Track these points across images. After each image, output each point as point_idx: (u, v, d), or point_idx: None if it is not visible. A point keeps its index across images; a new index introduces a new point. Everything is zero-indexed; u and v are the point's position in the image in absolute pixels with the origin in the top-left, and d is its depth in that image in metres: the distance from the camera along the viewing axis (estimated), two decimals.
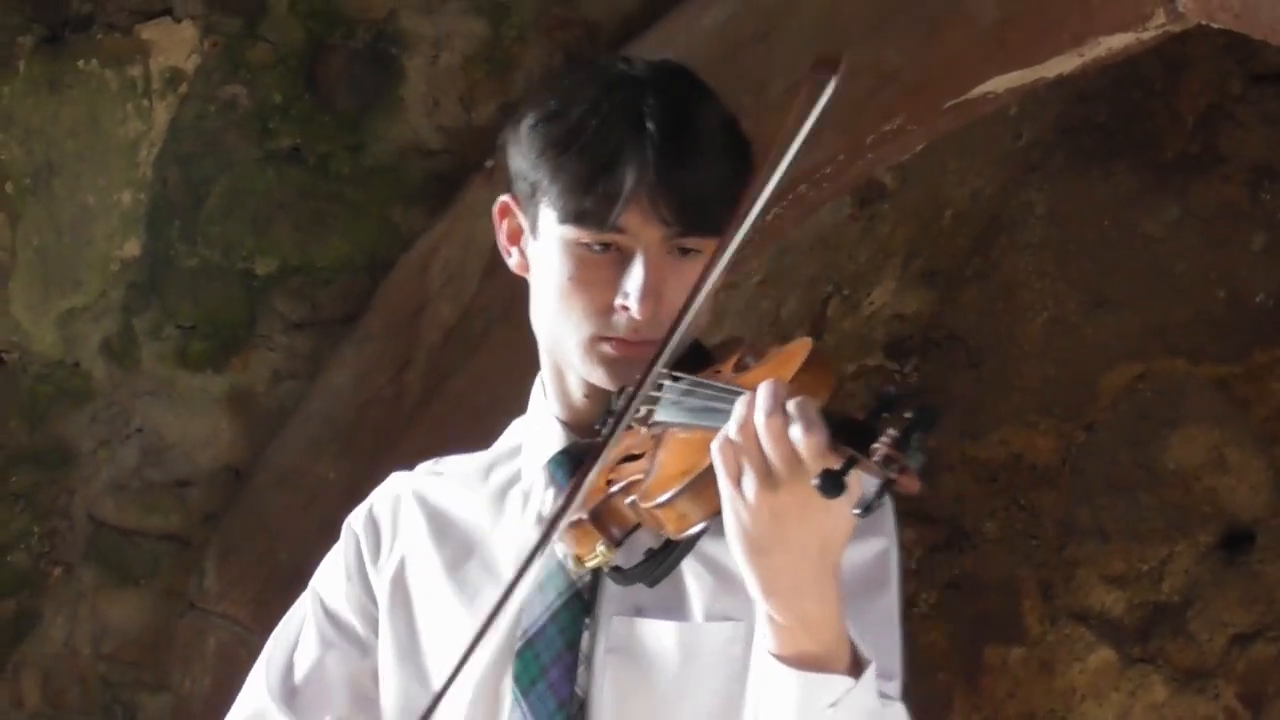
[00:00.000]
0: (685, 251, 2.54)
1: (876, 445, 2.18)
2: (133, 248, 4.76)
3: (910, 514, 4.91)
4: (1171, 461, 4.74)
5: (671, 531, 2.48)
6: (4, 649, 4.89)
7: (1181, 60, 4.43)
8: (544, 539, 2.50)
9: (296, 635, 2.90)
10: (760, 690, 2.48)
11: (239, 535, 4.63)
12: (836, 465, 2.19)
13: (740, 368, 2.51)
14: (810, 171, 4.21)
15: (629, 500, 2.50)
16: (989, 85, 4.08)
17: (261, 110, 4.66)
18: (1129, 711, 4.81)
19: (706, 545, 2.52)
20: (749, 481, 2.29)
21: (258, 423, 4.63)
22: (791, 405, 2.24)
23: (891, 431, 2.17)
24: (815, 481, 2.20)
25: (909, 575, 4.88)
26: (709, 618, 2.58)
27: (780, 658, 2.38)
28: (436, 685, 2.68)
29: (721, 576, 2.55)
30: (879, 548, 2.60)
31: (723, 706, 2.60)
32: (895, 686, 2.48)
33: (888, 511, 2.59)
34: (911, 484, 2.17)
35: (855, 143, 4.15)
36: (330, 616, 2.86)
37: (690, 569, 2.56)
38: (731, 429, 2.31)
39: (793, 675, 2.38)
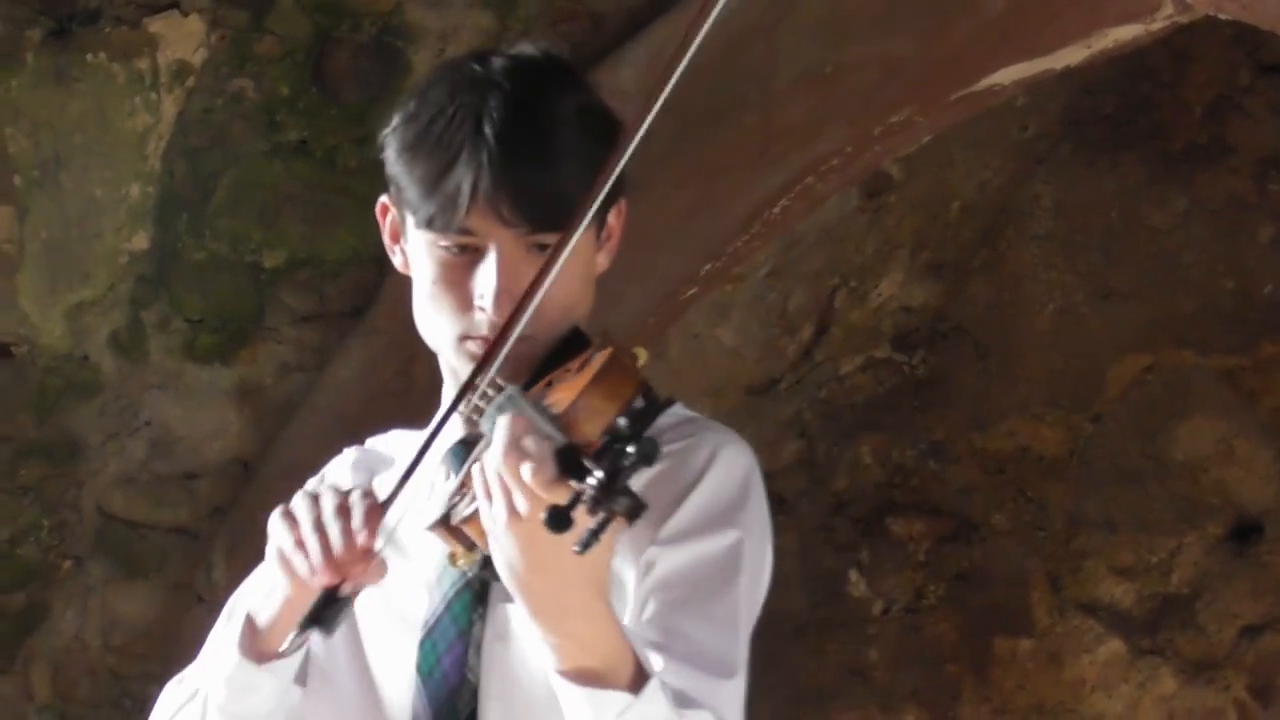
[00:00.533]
0: (543, 247, 2.59)
1: (582, 487, 2.25)
2: (140, 241, 4.76)
3: (918, 506, 4.95)
4: (1179, 453, 4.73)
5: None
6: (14, 642, 4.89)
7: (1189, 51, 4.42)
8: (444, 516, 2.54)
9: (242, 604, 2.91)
10: (561, 699, 2.53)
11: (247, 528, 4.61)
12: (563, 501, 2.26)
13: (568, 371, 2.56)
14: (817, 163, 4.20)
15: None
16: (996, 77, 4.08)
17: (269, 104, 4.66)
18: (1138, 703, 4.80)
19: None
20: (499, 512, 2.36)
21: (266, 415, 4.63)
22: (528, 441, 2.31)
23: (598, 475, 2.25)
24: (542, 517, 2.26)
25: (917, 569, 4.88)
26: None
27: (562, 673, 2.46)
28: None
29: None
30: (729, 541, 2.63)
31: None
32: (733, 685, 2.57)
33: (752, 500, 2.65)
34: (622, 524, 2.27)
35: (862, 135, 4.15)
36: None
37: None
38: (486, 461, 2.38)
39: (576, 690, 2.46)
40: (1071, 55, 4.06)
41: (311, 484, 2.84)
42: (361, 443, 3.11)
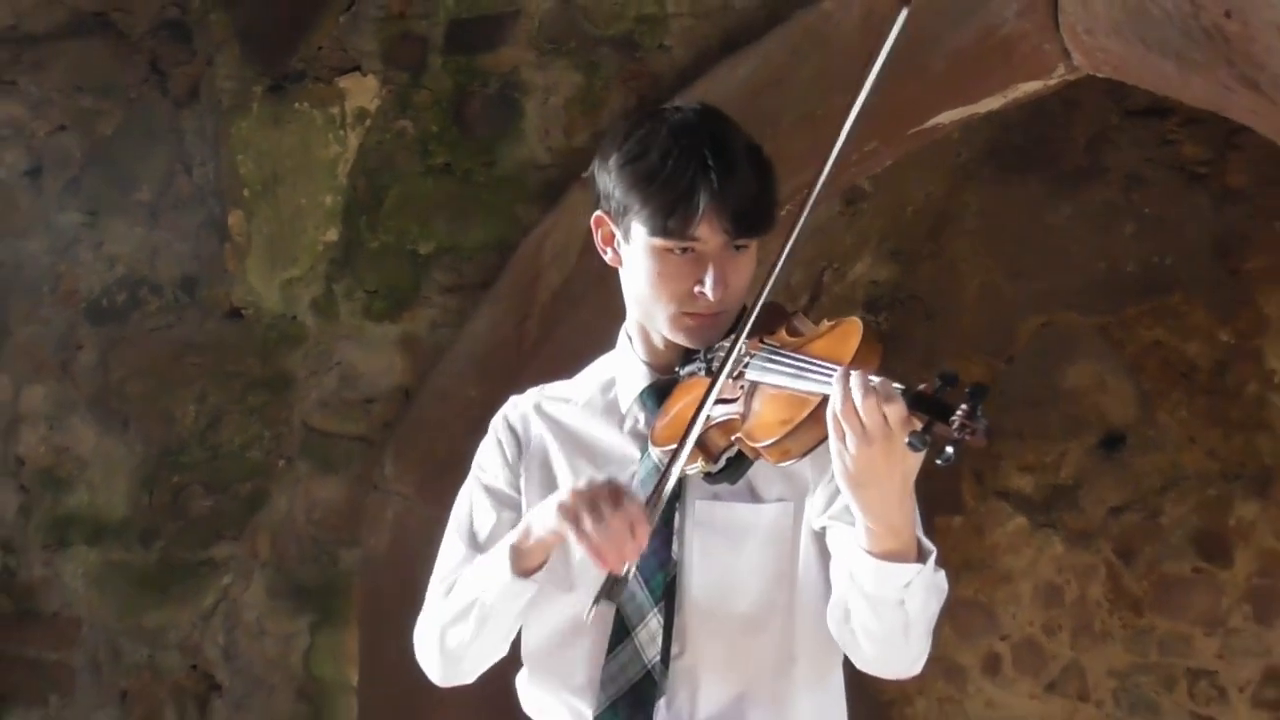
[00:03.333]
0: (739, 248, 2.67)
1: (954, 416, 2.28)
2: (332, 235, 4.89)
3: None
4: (1066, 385, 4.77)
5: (773, 461, 2.54)
6: (244, 519, 5.04)
7: (1075, 100, 4.44)
8: (682, 436, 2.59)
9: (468, 516, 2.94)
10: (856, 574, 2.54)
11: (408, 436, 4.71)
12: (918, 427, 2.30)
13: (793, 333, 2.64)
14: (813, 182, 4.27)
15: (730, 434, 2.59)
16: (938, 118, 4.11)
17: (423, 137, 4.76)
18: (1036, 562, 4.79)
19: None
20: (851, 441, 2.37)
21: (420, 358, 4.72)
22: (877, 383, 2.35)
23: (964, 406, 2.27)
24: (905, 440, 2.31)
25: None
26: (768, 500, 2.67)
27: (871, 553, 2.48)
28: None
29: (779, 472, 2.63)
30: None
31: (775, 566, 2.71)
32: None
33: None
34: (980, 441, 2.30)
35: (843, 160, 4.22)
36: (492, 492, 2.95)
37: (756, 467, 2.61)
38: (836, 404, 2.38)
39: (881, 565, 2.49)
40: (992, 103, 4.10)
41: (498, 421, 2.94)
42: (497, 384, 3.16)
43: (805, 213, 2.65)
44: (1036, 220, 4.81)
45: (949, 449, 2.27)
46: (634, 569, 2.62)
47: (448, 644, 2.82)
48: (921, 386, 2.35)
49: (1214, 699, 4.63)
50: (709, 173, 2.61)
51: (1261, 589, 4.59)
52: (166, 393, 5.09)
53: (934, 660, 4.81)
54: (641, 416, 2.74)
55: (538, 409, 2.98)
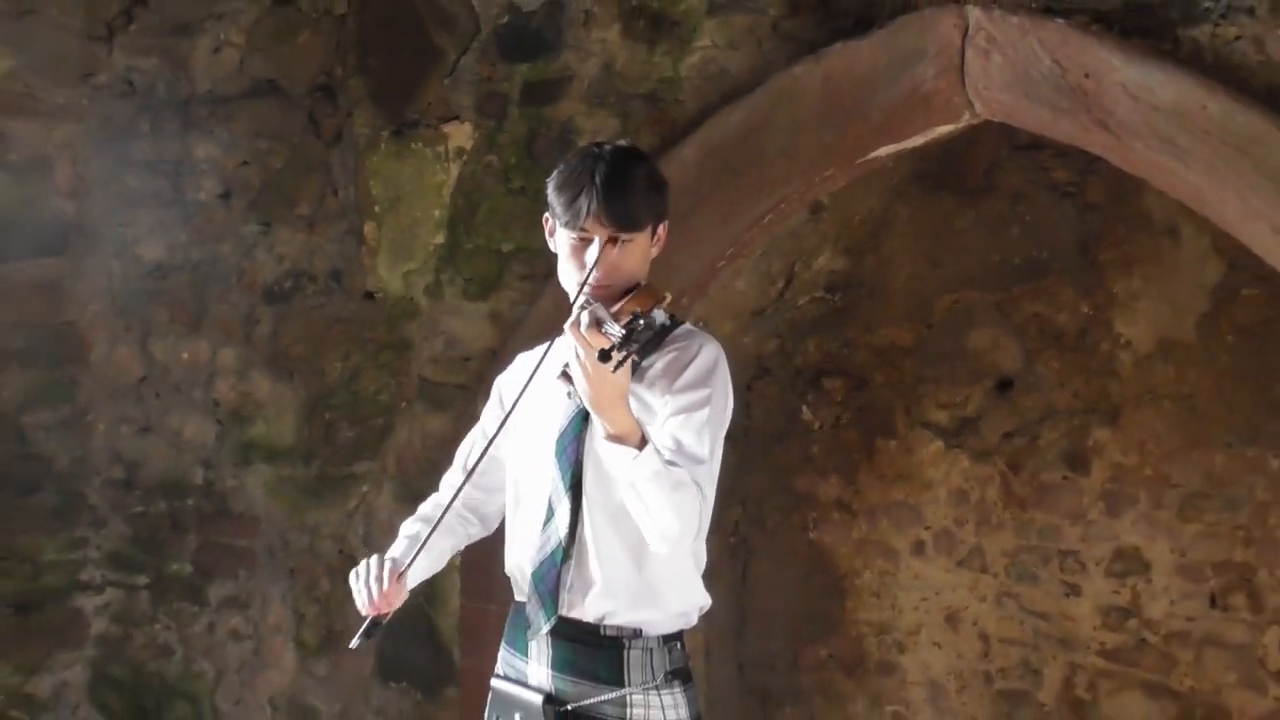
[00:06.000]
0: (618, 240, 2.76)
1: (613, 339, 2.49)
2: (439, 239, 4.90)
3: (838, 372, 4.97)
4: (971, 345, 4.78)
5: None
6: (377, 444, 5.07)
7: (976, 137, 4.48)
8: (532, 373, 2.76)
9: (469, 447, 3.16)
10: (603, 460, 2.69)
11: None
12: (606, 346, 2.49)
13: (629, 299, 2.71)
14: (786, 198, 4.29)
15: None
16: (878, 152, 4.09)
17: (505, 168, 4.77)
18: (949, 473, 4.73)
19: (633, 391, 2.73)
20: (577, 357, 2.57)
21: (504, 327, 4.74)
22: (588, 314, 2.55)
23: (620, 333, 2.48)
24: (595, 355, 2.50)
25: (837, 403, 5.02)
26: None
27: (606, 438, 2.63)
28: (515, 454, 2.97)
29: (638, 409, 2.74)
30: (704, 393, 2.75)
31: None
32: (703, 468, 2.67)
33: (718, 373, 2.78)
34: (632, 359, 2.51)
35: (808, 183, 4.20)
36: (484, 430, 3.14)
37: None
38: (566, 331, 2.59)
39: (613, 447, 2.64)
40: (916, 140, 4.06)
41: (498, 380, 3.12)
42: (529, 349, 3.26)
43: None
44: (948, 225, 4.79)
45: (615, 357, 2.46)
46: (558, 467, 2.80)
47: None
48: (618, 324, 2.52)
49: (1077, 571, 4.61)
50: (594, 185, 2.73)
51: (1111, 491, 4.58)
52: (320, 353, 5.13)
53: (875, 544, 4.99)
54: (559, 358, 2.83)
55: (521, 362, 3.08)
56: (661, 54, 4.39)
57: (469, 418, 4.85)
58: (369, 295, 5.04)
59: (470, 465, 3.04)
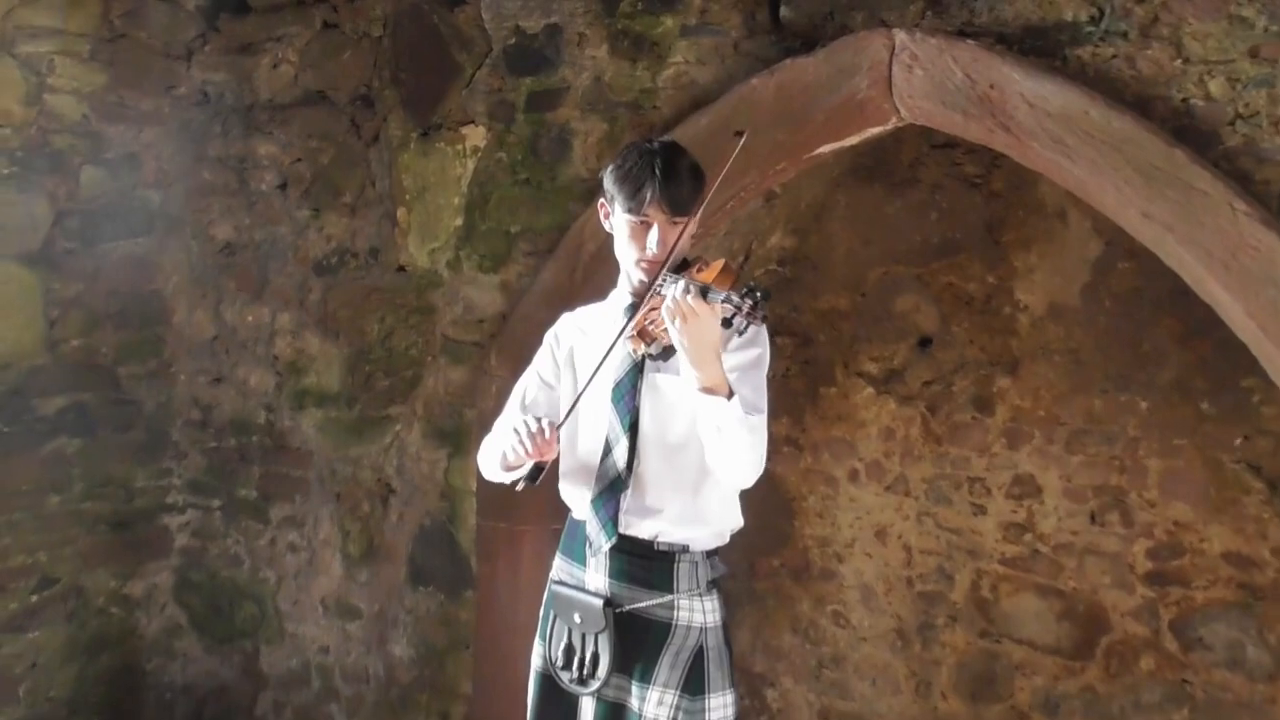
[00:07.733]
0: (675, 223, 2.73)
1: (743, 304, 2.40)
2: (458, 222, 4.86)
3: (789, 331, 5.00)
4: (897, 309, 4.70)
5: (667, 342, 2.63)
6: (407, 391, 5.03)
7: (901, 137, 4.49)
8: (618, 336, 2.72)
9: (524, 387, 3.06)
10: (697, 404, 2.61)
11: (504, 342, 4.75)
12: (727, 314, 2.43)
13: (698, 271, 2.66)
14: (745, 187, 4.29)
15: (660, 329, 2.64)
16: (821, 149, 4.08)
17: (512, 163, 4.75)
18: (879, 415, 4.77)
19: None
20: (681, 320, 2.50)
21: (512, 295, 4.74)
22: (693, 287, 2.47)
23: (749, 300, 2.40)
24: (719, 319, 2.42)
25: (786, 357, 5.03)
26: (684, 374, 2.67)
27: (700, 389, 2.56)
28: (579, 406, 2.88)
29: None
30: (756, 353, 2.75)
31: (687, 413, 2.73)
32: (760, 417, 2.64)
33: (762, 337, 2.75)
34: (758, 324, 2.43)
35: (763, 175, 4.20)
36: (541, 377, 3.02)
37: (679, 355, 2.64)
38: (671, 300, 2.51)
39: (707, 397, 2.57)
40: (853, 140, 4.06)
41: (549, 333, 3.02)
42: (557, 310, 3.22)
43: (701, 203, 2.67)
44: (879, 211, 4.47)
45: (741, 324, 2.38)
46: (615, 413, 2.75)
47: (486, 458, 2.96)
48: (730, 291, 2.43)
49: (983, 495, 4.61)
50: (655, 177, 2.69)
51: (1011, 429, 4.58)
52: (361, 317, 5.05)
53: (817, 474, 4.95)
54: (623, 322, 2.77)
55: (571, 323, 3.06)
56: (642, 69, 4.36)
57: (483, 369, 4.85)
58: (401, 269, 4.98)
59: (527, 401, 3.00)
